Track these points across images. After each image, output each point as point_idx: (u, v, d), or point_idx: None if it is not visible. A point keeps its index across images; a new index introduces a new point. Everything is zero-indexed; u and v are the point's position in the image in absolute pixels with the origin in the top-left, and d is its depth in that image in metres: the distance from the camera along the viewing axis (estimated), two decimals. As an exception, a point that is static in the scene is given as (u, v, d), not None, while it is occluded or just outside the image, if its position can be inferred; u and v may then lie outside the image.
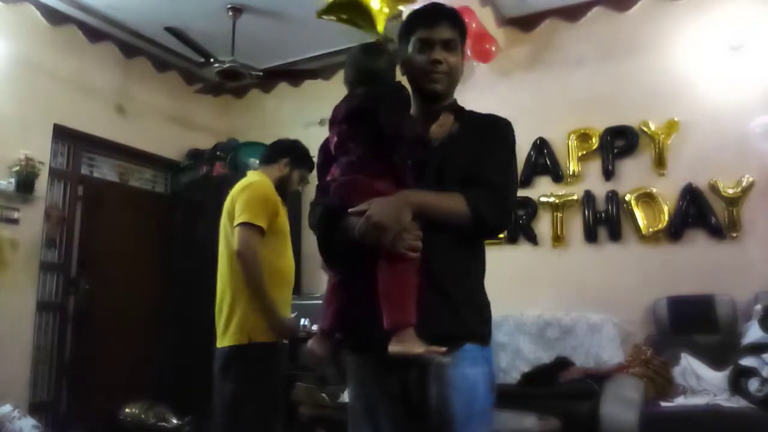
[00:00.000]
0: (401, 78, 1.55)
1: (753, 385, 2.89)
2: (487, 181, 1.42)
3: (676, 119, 3.89)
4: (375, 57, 1.54)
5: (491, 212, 1.40)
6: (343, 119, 1.46)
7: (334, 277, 1.51)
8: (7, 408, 3.30)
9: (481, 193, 1.40)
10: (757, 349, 3.03)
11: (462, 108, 1.58)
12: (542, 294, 3.42)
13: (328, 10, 3.42)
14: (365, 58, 1.54)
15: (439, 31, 1.49)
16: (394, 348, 1.29)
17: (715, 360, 3.32)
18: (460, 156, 1.45)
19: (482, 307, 1.47)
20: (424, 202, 1.37)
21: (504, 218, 1.48)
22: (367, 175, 1.40)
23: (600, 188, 4.09)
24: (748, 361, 3.01)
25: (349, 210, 1.36)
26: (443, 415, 1.35)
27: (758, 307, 3.22)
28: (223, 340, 2.50)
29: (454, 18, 1.53)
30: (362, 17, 3.36)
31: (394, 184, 1.39)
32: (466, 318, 1.41)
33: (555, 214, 4.20)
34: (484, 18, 4.08)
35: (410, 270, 1.35)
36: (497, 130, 1.55)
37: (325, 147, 1.54)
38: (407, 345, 1.29)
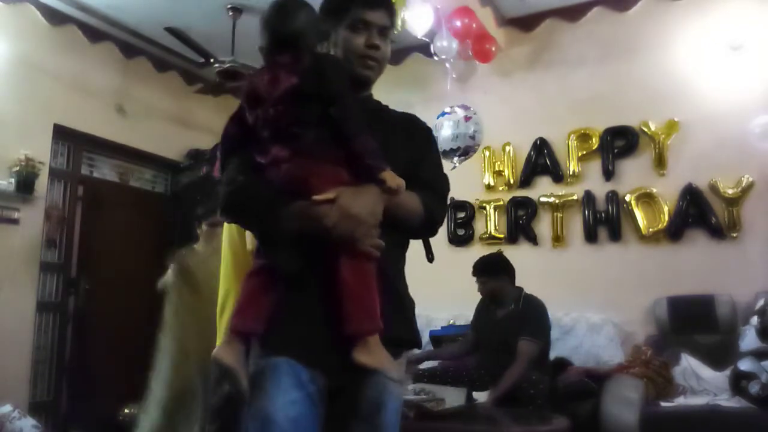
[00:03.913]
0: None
1: (753, 388, 2.89)
2: (430, 183, 1.40)
3: (676, 119, 3.90)
4: (294, 14, 1.32)
5: (439, 214, 1.41)
6: (279, 98, 1.26)
7: (267, 271, 1.29)
8: (7, 408, 3.30)
9: (429, 194, 1.38)
10: (755, 355, 3.03)
11: (379, 102, 1.50)
12: (542, 294, 3.42)
13: None
14: (282, 18, 1.32)
15: (379, 15, 1.40)
16: (362, 358, 1.19)
17: (715, 360, 3.32)
18: (392, 154, 1.33)
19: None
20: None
21: (442, 222, 1.46)
22: (327, 162, 1.25)
23: (600, 188, 4.09)
24: (746, 366, 3.01)
25: (315, 197, 1.21)
26: (374, 420, 1.27)
27: (755, 318, 3.19)
28: (225, 340, 2.50)
29: (391, 6, 1.45)
30: None
31: (354, 176, 1.26)
32: (413, 322, 1.40)
33: (555, 214, 4.20)
34: (484, 18, 4.08)
35: (373, 270, 1.24)
36: (423, 130, 1.49)
37: (240, 120, 1.34)
38: (375, 356, 1.20)
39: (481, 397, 2.88)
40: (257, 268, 1.31)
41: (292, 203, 1.23)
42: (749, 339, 3.16)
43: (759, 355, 3.02)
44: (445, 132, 3.76)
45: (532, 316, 3.26)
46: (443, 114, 3.82)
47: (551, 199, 4.21)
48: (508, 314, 3.32)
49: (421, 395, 2.67)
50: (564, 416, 2.70)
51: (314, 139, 1.25)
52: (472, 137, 3.75)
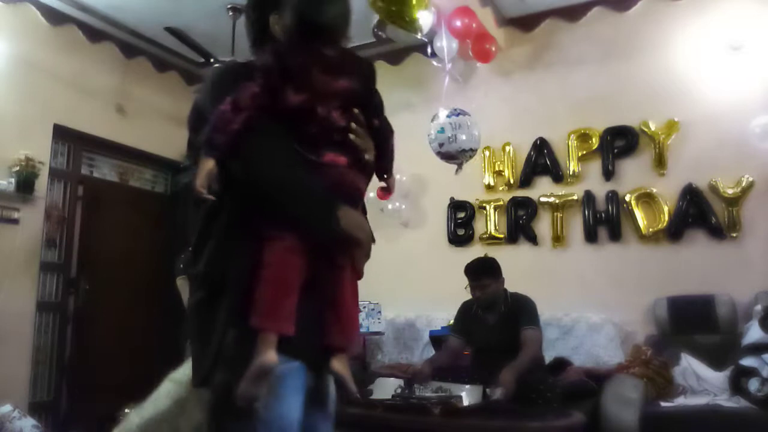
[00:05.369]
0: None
1: (753, 385, 2.89)
2: None
3: (676, 119, 3.89)
4: (344, 4, 1.32)
5: None
6: (337, 97, 1.25)
7: (299, 263, 1.22)
8: (7, 408, 3.29)
9: None
10: (757, 349, 3.03)
11: None
12: (542, 294, 3.41)
13: None
14: (336, 6, 1.29)
15: None
16: (340, 369, 1.27)
17: (715, 360, 3.32)
18: None
19: None
20: None
21: None
22: (367, 177, 1.36)
23: (600, 188, 4.09)
24: (748, 361, 3.01)
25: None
26: (329, 410, 1.40)
27: (758, 307, 3.22)
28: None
29: None
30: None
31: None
32: None
33: (555, 214, 4.20)
34: (484, 18, 4.08)
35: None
36: None
37: (272, 92, 1.26)
38: (346, 369, 1.29)
39: (494, 394, 2.89)
40: (288, 257, 1.21)
41: (342, 207, 1.25)
42: (752, 332, 3.15)
43: (760, 348, 3.01)
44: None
45: (525, 308, 3.23)
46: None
47: (551, 199, 4.21)
48: (500, 317, 3.23)
49: (439, 393, 2.69)
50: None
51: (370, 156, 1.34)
52: (441, 144, 3.72)
